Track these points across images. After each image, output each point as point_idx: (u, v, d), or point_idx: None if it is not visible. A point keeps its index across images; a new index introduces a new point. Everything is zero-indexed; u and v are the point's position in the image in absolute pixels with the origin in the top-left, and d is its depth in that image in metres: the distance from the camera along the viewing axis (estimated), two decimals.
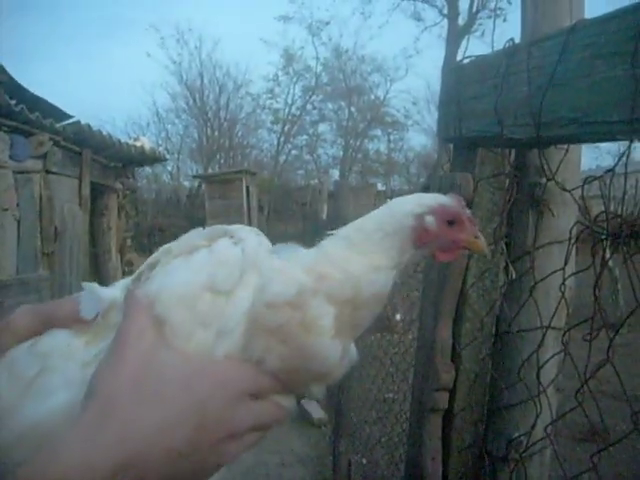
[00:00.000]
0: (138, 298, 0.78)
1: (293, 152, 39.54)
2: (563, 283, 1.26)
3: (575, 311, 1.46)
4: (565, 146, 1.37)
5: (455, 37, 27.44)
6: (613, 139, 1.09)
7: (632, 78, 0.97)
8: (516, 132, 1.30)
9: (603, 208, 1.14)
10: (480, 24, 27.80)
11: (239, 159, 36.53)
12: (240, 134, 38.21)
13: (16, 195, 7.44)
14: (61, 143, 8.56)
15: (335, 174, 36.19)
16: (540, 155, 1.34)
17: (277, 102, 37.95)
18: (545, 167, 1.35)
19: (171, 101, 37.17)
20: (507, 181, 1.54)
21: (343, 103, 38.77)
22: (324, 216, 7.56)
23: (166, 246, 0.87)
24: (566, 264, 1.29)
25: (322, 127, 39.82)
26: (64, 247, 8.74)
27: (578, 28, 1.14)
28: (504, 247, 1.54)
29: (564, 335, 1.31)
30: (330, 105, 39.22)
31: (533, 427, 1.43)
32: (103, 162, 10.70)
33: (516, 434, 1.50)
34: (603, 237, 1.14)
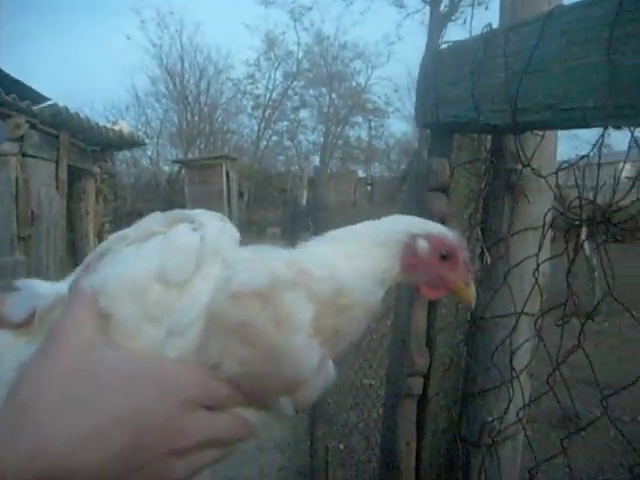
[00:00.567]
0: (81, 289, 0.70)
1: (274, 138, 39.57)
2: (537, 269, 1.27)
3: (551, 298, 1.47)
4: (541, 132, 1.37)
5: (437, 24, 27.40)
6: (588, 125, 1.09)
7: (607, 64, 0.97)
8: (492, 118, 1.29)
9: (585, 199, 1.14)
10: (462, 12, 27.80)
11: (219, 144, 36.40)
12: (220, 119, 38.11)
13: None
14: (38, 126, 8.44)
15: (316, 160, 36.22)
16: (516, 141, 1.34)
17: (258, 87, 37.90)
18: (521, 153, 1.35)
19: (151, 85, 36.92)
20: (483, 167, 1.55)
21: (324, 89, 38.77)
22: (304, 202, 7.54)
23: (119, 232, 0.78)
24: (540, 250, 1.29)
25: (303, 113, 39.86)
26: (41, 231, 8.65)
27: (555, 14, 1.13)
28: (480, 233, 1.54)
29: (536, 321, 1.32)
30: (311, 91, 39.25)
31: (505, 412, 1.44)
32: (81, 146, 10.58)
33: (489, 419, 1.52)
34: (577, 223, 1.14)
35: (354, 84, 39.54)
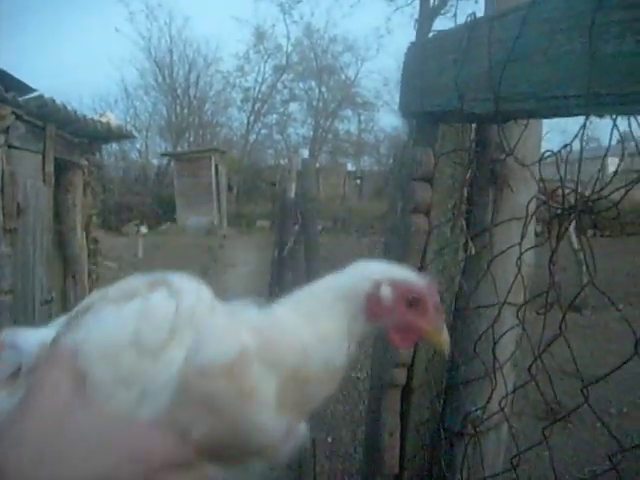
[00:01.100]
0: (60, 348, 0.72)
1: (263, 131, 39.53)
2: (519, 258, 1.27)
3: (536, 290, 1.46)
4: (525, 121, 1.37)
5: (427, 18, 27.37)
6: (570, 114, 1.08)
7: (589, 52, 0.96)
8: (476, 107, 1.29)
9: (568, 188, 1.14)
10: (452, 5, 27.74)
11: (208, 137, 36.32)
12: (210, 112, 38.01)
13: None
14: (24, 117, 8.33)
15: (305, 154, 36.15)
16: (499, 130, 1.33)
17: (247, 80, 37.77)
18: (504, 142, 1.34)
19: (140, 77, 36.74)
20: (468, 157, 1.54)
21: (314, 83, 38.71)
22: (292, 195, 7.52)
23: (103, 290, 0.81)
24: (523, 239, 1.29)
25: (292, 106, 39.85)
26: (27, 224, 8.57)
27: (539, 1, 1.12)
28: (464, 223, 1.54)
29: (519, 310, 1.32)
30: (301, 84, 39.23)
31: (488, 402, 1.44)
32: (68, 138, 10.47)
33: (472, 409, 1.52)
34: (558, 212, 1.14)
35: (344, 77, 39.62)
